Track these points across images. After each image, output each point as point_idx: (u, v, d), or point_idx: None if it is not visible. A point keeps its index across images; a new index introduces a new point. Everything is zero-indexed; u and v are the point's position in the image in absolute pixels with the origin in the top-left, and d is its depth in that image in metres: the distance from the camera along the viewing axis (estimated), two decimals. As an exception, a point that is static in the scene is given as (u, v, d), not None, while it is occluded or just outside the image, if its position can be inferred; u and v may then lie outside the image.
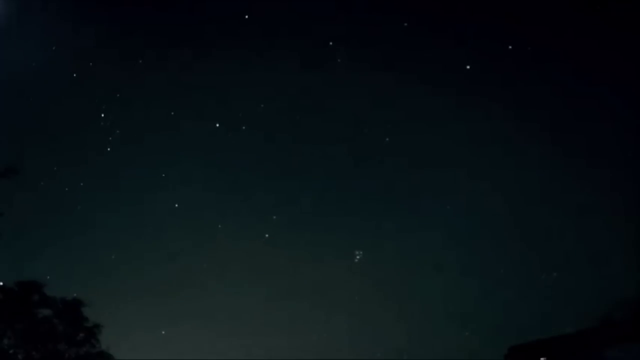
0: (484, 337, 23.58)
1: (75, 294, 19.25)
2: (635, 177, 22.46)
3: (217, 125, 27.05)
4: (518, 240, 25.17)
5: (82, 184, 27.82)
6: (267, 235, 26.66)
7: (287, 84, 26.66)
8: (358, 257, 24.50)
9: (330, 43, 25.19)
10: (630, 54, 22.40)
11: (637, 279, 19.49)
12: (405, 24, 24.57)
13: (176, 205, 27.50)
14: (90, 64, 27.14)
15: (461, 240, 25.68)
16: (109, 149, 27.79)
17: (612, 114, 23.65)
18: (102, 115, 27.71)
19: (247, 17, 25.39)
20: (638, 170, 22.58)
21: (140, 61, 27.21)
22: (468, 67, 23.69)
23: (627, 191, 22.92)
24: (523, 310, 23.52)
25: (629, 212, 22.18)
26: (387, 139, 25.91)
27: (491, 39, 24.65)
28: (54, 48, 26.57)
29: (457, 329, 24.62)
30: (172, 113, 27.75)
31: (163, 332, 25.58)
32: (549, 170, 25.35)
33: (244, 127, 26.87)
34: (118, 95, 27.59)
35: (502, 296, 24.40)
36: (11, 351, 18.42)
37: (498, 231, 25.27)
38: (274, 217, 26.90)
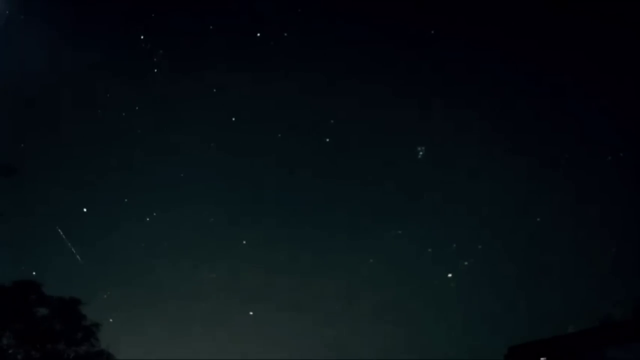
0: (484, 337, 23.57)
1: (73, 293, 19.26)
2: (635, 177, 22.45)
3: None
4: (518, 241, 25.17)
5: (83, 183, 27.92)
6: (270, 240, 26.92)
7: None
8: (421, 153, 24.05)
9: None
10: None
11: (637, 279, 19.47)
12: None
13: (175, 204, 27.66)
14: (92, 64, 27.21)
15: (461, 241, 25.69)
16: (108, 150, 27.89)
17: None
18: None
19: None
20: (638, 172, 22.59)
21: (143, 61, 27.30)
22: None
23: (627, 192, 22.92)
24: (523, 310, 23.52)
25: (629, 213, 22.18)
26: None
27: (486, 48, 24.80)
28: (55, 47, 26.59)
29: (457, 329, 24.62)
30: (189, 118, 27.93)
31: (163, 333, 25.62)
32: (550, 171, 25.36)
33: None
34: (118, 96, 27.63)
35: (502, 296, 24.39)
36: (10, 351, 18.37)
37: (498, 231, 25.28)
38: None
